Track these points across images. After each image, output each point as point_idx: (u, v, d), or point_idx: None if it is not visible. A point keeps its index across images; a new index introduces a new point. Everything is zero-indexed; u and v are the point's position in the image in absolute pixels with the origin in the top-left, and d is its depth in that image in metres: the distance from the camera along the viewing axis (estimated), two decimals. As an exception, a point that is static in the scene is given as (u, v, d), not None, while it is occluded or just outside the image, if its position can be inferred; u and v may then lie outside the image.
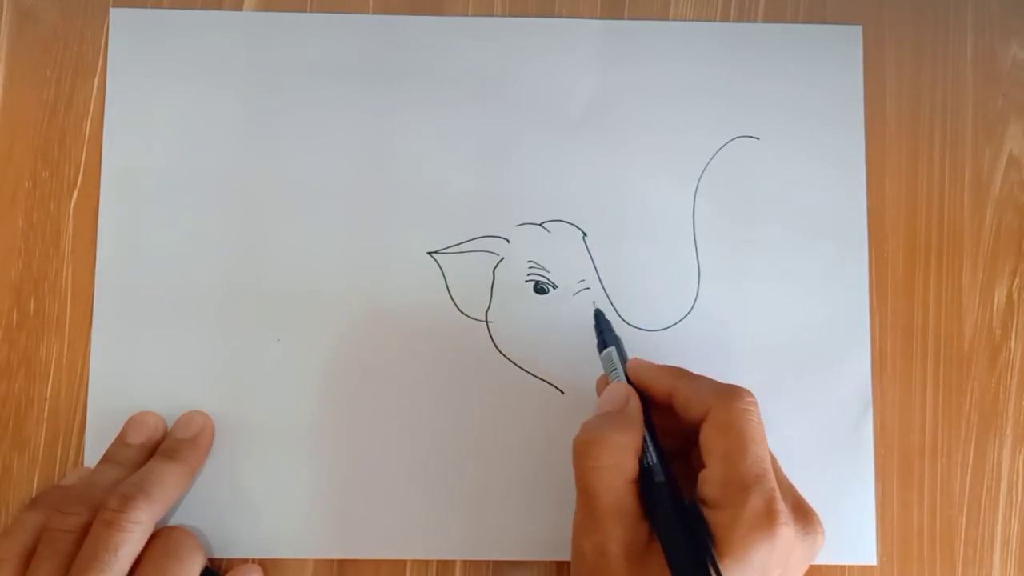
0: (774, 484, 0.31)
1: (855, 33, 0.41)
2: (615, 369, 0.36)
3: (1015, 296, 0.41)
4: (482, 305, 0.39)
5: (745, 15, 0.41)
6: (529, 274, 0.40)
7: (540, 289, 0.40)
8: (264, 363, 0.39)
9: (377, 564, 0.38)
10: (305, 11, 0.41)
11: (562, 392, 0.39)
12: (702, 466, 0.32)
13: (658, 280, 0.40)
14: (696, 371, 0.39)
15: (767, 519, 0.30)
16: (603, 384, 0.36)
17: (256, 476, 0.38)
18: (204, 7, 0.41)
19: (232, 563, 0.38)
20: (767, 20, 0.41)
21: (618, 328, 0.39)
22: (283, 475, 0.38)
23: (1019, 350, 0.40)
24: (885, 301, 0.40)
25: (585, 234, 0.40)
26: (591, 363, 0.39)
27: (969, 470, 0.40)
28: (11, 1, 0.41)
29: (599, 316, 0.38)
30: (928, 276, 0.40)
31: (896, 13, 0.42)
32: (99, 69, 0.40)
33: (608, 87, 0.41)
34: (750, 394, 0.33)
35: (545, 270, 0.40)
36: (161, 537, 0.35)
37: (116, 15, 0.41)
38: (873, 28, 0.42)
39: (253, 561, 0.38)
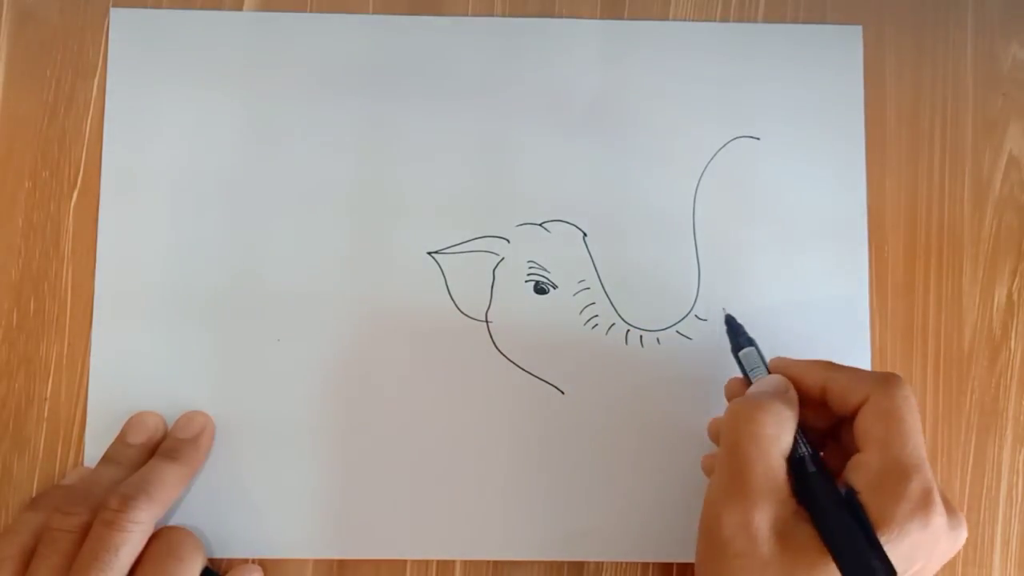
0: (931, 474, 0.31)
1: (855, 33, 0.41)
2: (757, 367, 0.36)
3: (1015, 296, 0.41)
4: (482, 305, 0.39)
5: (745, 15, 0.41)
6: (529, 274, 0.40)
7: (540, 289, 0.40)
8: (264, 363, 0.39)
9: (377, 564, 0.38)
10: (305, 11, 0.41)
11: (562, 392, 0.39)
12: (852, 453, 0.32)
13: (658, 280, 0.40)
14: (697, 373, 0.39)
15: (924, 507, 0.30)
16: (736, 385, 0.36)
17: (256, 476, 0.38)
18: (204, 7, 0.41)
19: (232, 563, 0.38)
20: (767, 20, 0.41)
21: (618, 327, 0.39)
22: (283, 475, 0.38)
23: (1019, 350, 0.40)
24: (885, 301, 0.40)
25: (585, 234, 0.40)
26: (591, 363, 0.39)
27: (969, 470, 0.40)
28: (11, 1, 0.41)
29: (731, 319, 0.37)
30: (928, 276, 0.40)
31: (896, 13, 0.42)
32: (99, 69, 0.40)
33: (608, 87, 0.41)
34: (907, 384, 0.33)
35: (545, 270, 0.40)
36: (161, 537, 0.35)
37: (116, 15, 0.41)
38: (873, 28, 0.42)
39: (253, 561, 0.38)
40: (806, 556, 0.30)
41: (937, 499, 0.31)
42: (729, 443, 0.33)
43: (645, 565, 0.39)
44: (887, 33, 0.42)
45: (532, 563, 0.38)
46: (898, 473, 0.31)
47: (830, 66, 0.41)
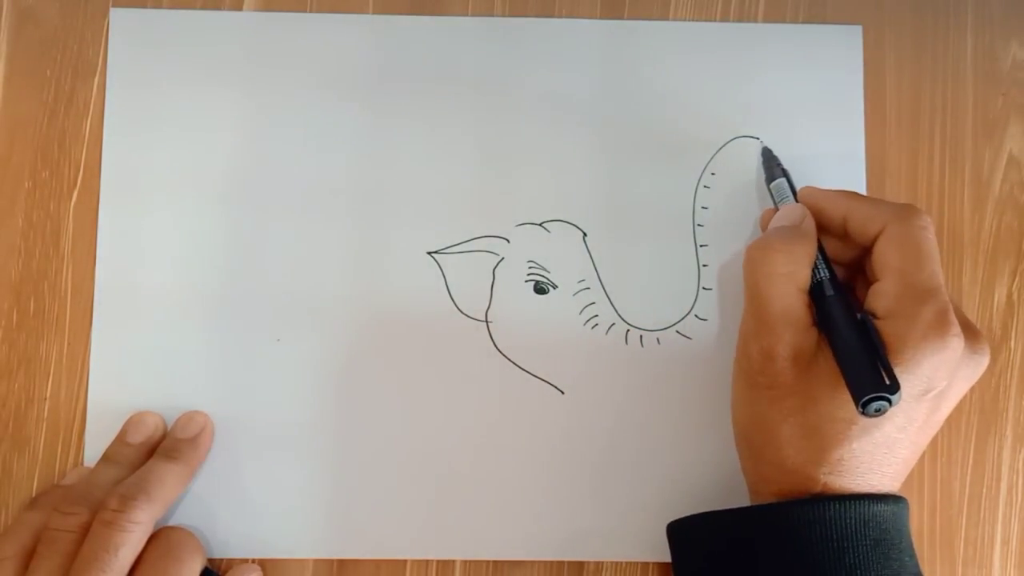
0: (947, 298, 0.32)
1: (855, 33, 0.41)
2: (786, 197, 0.37)
3: (1015, 296, 0.41)
4: (482, 305, 0.39)
5: (745, 15, 0.41)
6: (529, 274, 0.40)
7: (540, 289, 0.40)
8: (264, 363, 0.39)
9: (377, 564, 0.38)
10: (305, 11, 0.41)
11: (562, 392, 0.39)
12: (873, 281, 0.33)
13: (658, 280, 0.40)
14: (697, 373, 0.39)
15: (939, 328, 0.31)
16: (769, 215, 0.38)
17: (255, 476, 0.38)
18: (204, 7, 0.41)
19: (231, 563, 0.38)
20: (767, 20, 0.41)
21: (618, 327, 0.39)
22: (283, 475, 0.38)
23: (1019, 350, 0.40)
24: (885, 301, 0.40)
25: (585, 234, 0.40)
26: (591, 363, 0.39)
27: (969, 470, 0.40)
28: (11, 1, 0.41)
29: (766, 151, 0.39)
30: (928, 276, 0.40)
31: (896, 13, 0.42)
32: (99, 69, 0.40)
33: (608, 87, 0.41)
34: (926, 215, 0.34)
35: (545, 270, 0.40)
36: (161, 537, 0.35)
37: (116, 15, 0.41)
38: (873, 28, 0.42)
39: (253, 561, 0.38)
40: (827, 381, 0.32)
41: (952, 320, 0.31)
42: (749, 285, 0.34)
43: (645, 565, 0.39)
44: (887, 33, 0.42)
45: (532, 563, 0.38)
46: (913, 297, 0.32)
47: (830, 66, 0.41)
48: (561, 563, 0.38)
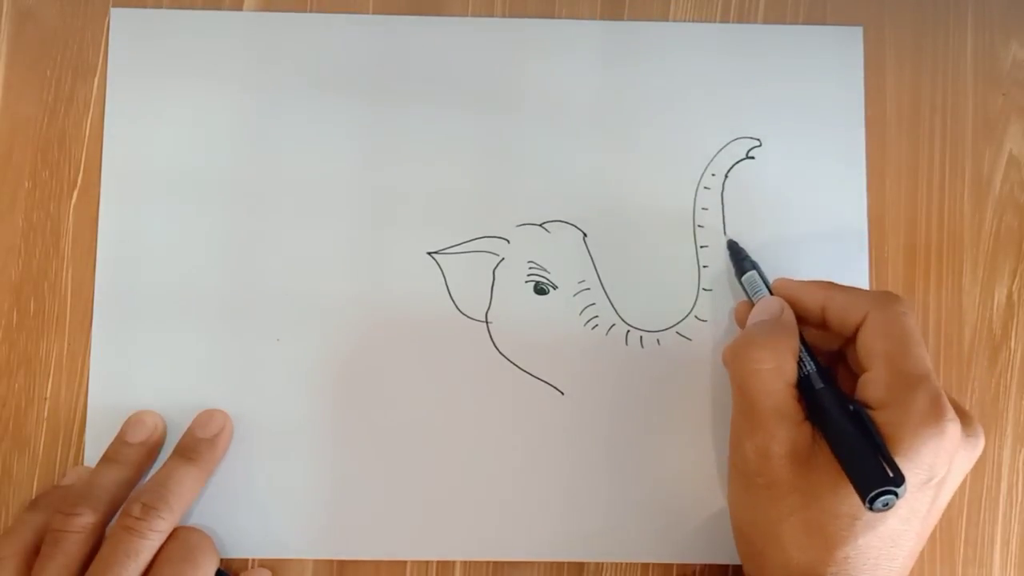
0: (938, 383, 0.31)
1: (855, 35, 0.41)
2: (759, 290, 0.37)
3: (1015, 296, 0.41)
4: (482, 306, 0.39)
5: (745, 16, 0.41)
6: (529, 275, 0.40)
7: (540, 290, 0.40)
8: (264, 363, 0.39)
9: (377, 564, 0.38)
10: (305, 11, 0.41)
11: (562, 393, 0.39)
12: (860, 372, 0.33)
13: (658, 281, 0.40)
14: (696, 374, 0.39)
15: (935, 415, 0.30)
16: (744, 309, 0.37)
17: (255, 476, 0.38)
18: (204, 7, 0.41)
19: (234, 563, 0.38)
20: (767, 21, 0.41)
21: (618, 328, 0.39)
22: (282, 475, 0.38)
23: (1019, 350, 0.40)
24: (885, 301, 0.40)
25: (585, 235, 0.40)
26: (591, 364, 0.39)
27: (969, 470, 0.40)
28: (11, 1, 0.41)
29: (733, 244, 0.39)
30: (928, 276, 0.40)
31: (896, 13, 0.42)
32: (99, 69, 0.40)
33: (608, 88, 0.41)
34: (905, 300, 0.34)
35: (545, 271, 0.40)
36: (178, 539, 0.35)
37: (116, 15, 0.41)
38: (873, 28, 0.42)
39: (254, 561, 0.38)
40: (827, 477, 0.31)
41: (946, 405, 0.31)
42: (736, 383, 0.33)
43: (645, 566, 0.39)
44: (887, 33, 0.42)
45: (532, 563, 0.38)
46: (904, 386, 0.31)
47: (830, 67, 0.41)
48: (561, 564, 0.38)
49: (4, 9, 0.41)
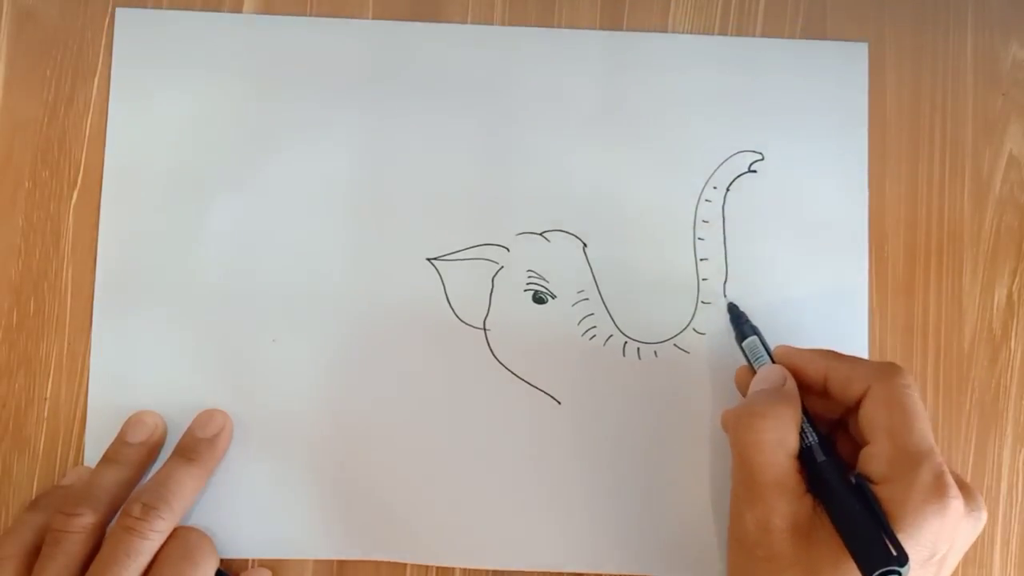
0: (942, 458, 0.31)
1: (861, 51, 0.41)
2: (760, 356, 0.36)
3: (1015, 296, 0.41)
4: (481, 313, 0.39)
5: (743, 26, 0.41)
6: (528, 283, 0.40)
7: (539, 299, 0.39)
8: (263, 366, 0.39)
9: (377, 564, 0.38)
10: (305, 14, 0.41)
11: (559, 402, 0.39)
12: (862, 444, 0.33)
13: (657, 293, 0.40)
14: (694, 387, 0.39)
15: (938, 492, 0.30)
16: (744, 374, 0.37)
17: (255, 477, 0.38)
18: (204, 8, 0.41)
19: (234, 563, 0.38)
20: (765, 31, 0.41)
21: (616, 339, 0.39)
22: (282, 476, 0.38)
23: (1019, 350, 0.40)
24: (885, 301, 0.40)
25: (585, 245, 0.40)
26: (588, 374, 0.39)
27: (969, 470, 0.40)
28: (11, 1, 0.41)
29: (733, 308, 0.38)
30: (928, 276, 0.40)
31: (896, 13, 0.42)
32: (99, 69, 0.40)
33: (610, 97, 0.41)
34: (908, 372, 0.33)
35: (544, 280, 0.40)
36: (178, 538, 0.35)
37: (117, 15, 0.40)
38: (873, 28, 0.41)
39: (254, 561, 0.38)
40: (829, 552, 0.31)
41: (950, 482, 0.31)
42: (736, 453, 0.33)
43: None
44: (887, 34, 0.42)
45: (529, 573, 0.38)
46: (907, 462, 0.31)
47: (835, 82, 0.41)
48: (559, 574, 0.38)
49: (4, 9, 0.41)
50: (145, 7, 0.41)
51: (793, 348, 0.36)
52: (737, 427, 0.33)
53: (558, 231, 0.40)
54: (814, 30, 0.41)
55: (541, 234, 0.40)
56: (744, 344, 0.37)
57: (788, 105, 0.41)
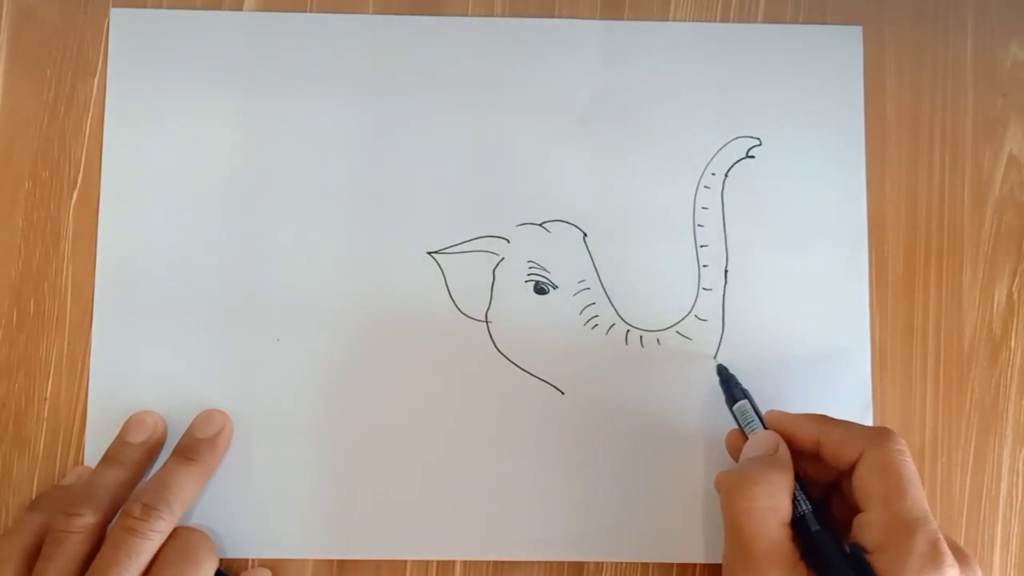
0: (936, 526, 0.31)
1: (855, 34, 0.41)
2: (751, 421, 0.36)
3: (1015, 296, 0.41)
4: (482, 305, 0.39)
5: (745, 16, 0.41)
6: (529, 274, 0.40)
7: (540, 289, 0.40)
8: (263, 363, 0.39)
9: (377, 564, 0.38)
10: (305, 11, 0.41)
11: (562, 392, 0.39)
12: (855, 511, 0.32)
13: (658, 280, 0.40)
14: (697, 373, 0.39)
15: (933, 561, 0.30)
16: (734, 437, 0.37)
17: (255, 476, 0.38)
18: (204, 7, 0.41)
19: (234, 563, 0.38)
20: (767, 21, 0.41)
21: (618, 327, 0.39)
22: (282, 475, 0.38)
23: (1019, 350, 0.40)
24: (885, 301, 0.40)
25: (585, 234, 0.40)
26: (591, 364, 0.39)
27: (969, 470, 0.40)
28: (11, 1, 0.41)
29: (723, 370, 0.38)
30: (928, 276, 0.40)
31: (896, 13, 0.42)
32: (99, 69, 0.40)
33: (608, 88, 0.41)
34: (900, 437, 0.33)
35: (545, 270, 0.40)
36: (179, 538, 0.35)
37: (116, 15, 0.41)
38: (873, 28, 0.42)
39: (254, 561, 0.38)
40: None
41: (945, 550, 0.30)
42: (728, 519, 0.33)
43: (645, 565, 0.39)
44: (887, 33, 0.42)
45: (532, 563, 0.38)
46: (903, 529, 0.31)
47: (830, 66, 0.41)
48: (561, 563, 0.38)
49: (4, 9, 0.41)
50: (145, 7, 0.41)
51: (785, 413, 0.36)
52: (730, 493, 0.33)
53: (558, 221, 0.40)
54: (814, 22, 0.41)
55: (541, 224, 0.40)
56: (735, 408, 0.37)
57: (784, 90, 0.41)
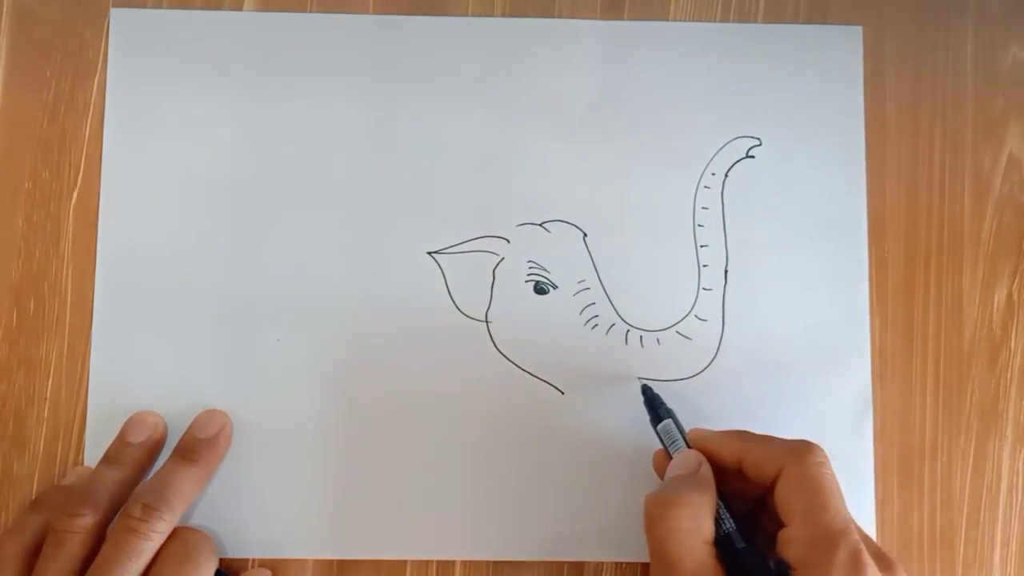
0: (858, 536, 0.31)
1: (855, 34, 0.41)
2: (675, 441, 0.36)
3: (1015, 296, 0.41)
4: (482, 305, 0.39)
5: (745, 16, 0.41)
6: (529, 274, 0.40)
7: (540, 289, 0.40)
8: (264, 363, 0.39)
9: (377, 564, 0.38)
10: (305, 11, 0.41)
11: (562, 392, 0.39)
12: (778, 526, 0.32)
13: (658, 280, 0.40)
14: (696, 372, 0.39)
15: (855, 573, 0.30)
16: (661, 458, 0.37)
17: (254, 476, 0.38)
18: (204, 7, 0.41)
19: (234, 563, 0.38)
20: (767, 21, 0.41)
21: (618, 327, 0.39)
22: (282, 475, 0.38)
23: (1019, 350, 0.40)
24: (885, 301, 0.40)
25: (585, 234, 0.40)
26: (591, 364, 0.39)
27: (969, 470, 0.40)
28: (11, 1, 0.41)
29: (647, 390, 0.38)
30: (928, 276, 0.40)
31: (896, 13, 0.42)
32: (99, 69, 0.40)
33: (609, 88, 0.41)
34: (821, 448, 0.33)
35: (545, 270, 0.40)
36: (179, 539, 0.35)
37: (116, 15, 0.41)
38: (873, 28, 0.42)
39: (254, 561, 0.38)
40: None
41: (866, 561, 0.30)
42: (652, 543, 0.32)
43: (645, 565, 0.39)
44: (887, 33, 0.42)
45: (532, 563, 0.38)
46: (824, 544, 0.31)
47: (830, 66, 0.41)
48: (561, 563, 0.38)
49: (4, 9, 0.41)
50: (145, 7, 0.41)
51: (707, 431, 0.36)
52: (651, 516, 0.32)
53: (558, 221, 0.40)
54: (814, 22, 0.41)
55: (541, 224, 0.40)
56: (659, 428, 0.36)
57: (784, 90, 0.41)
